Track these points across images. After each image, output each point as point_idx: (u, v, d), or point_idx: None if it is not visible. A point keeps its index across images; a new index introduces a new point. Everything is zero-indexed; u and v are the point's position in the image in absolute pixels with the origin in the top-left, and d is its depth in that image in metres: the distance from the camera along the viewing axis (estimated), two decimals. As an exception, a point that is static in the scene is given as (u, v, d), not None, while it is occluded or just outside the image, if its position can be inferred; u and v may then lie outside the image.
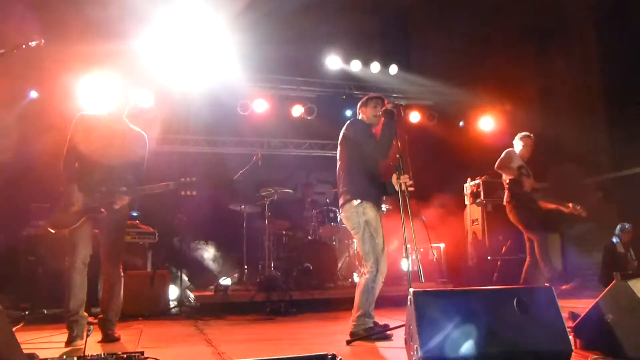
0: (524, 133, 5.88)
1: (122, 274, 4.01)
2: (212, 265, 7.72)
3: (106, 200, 3.85)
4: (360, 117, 4.21)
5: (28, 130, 6.34)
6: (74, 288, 3.77)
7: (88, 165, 3.91)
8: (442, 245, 7.70)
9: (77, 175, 3.88)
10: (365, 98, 4.24)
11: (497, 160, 5.75)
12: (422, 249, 7.35)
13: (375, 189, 3.93)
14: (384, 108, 3.99)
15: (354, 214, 3.84)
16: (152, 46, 6.83)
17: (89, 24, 5.95)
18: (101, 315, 3.96)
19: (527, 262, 5.66)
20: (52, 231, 3.83)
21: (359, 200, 3.82)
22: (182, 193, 3.85)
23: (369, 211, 3.81)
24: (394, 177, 3.76)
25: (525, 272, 5.62)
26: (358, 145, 3.98)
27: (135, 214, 7.03)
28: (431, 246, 7.10)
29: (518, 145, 5.86)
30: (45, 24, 5.63)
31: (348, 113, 8.37)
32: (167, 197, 7.39)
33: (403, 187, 3.67)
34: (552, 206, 5.71)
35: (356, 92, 8.61)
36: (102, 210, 3.83)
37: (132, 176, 4.05)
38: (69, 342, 3.66)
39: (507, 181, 5.76)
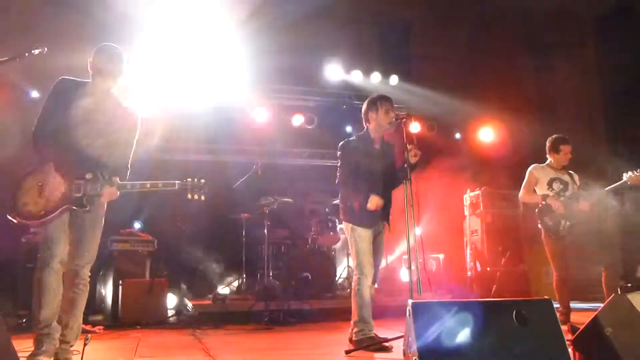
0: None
1: (88, 283, 3.20)
2: (210, 274, 7.70)
3: (92, 192, 3.11)
4: (370, 124, 3.99)
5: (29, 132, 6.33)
6: (48, 293, 2.99)
7: (67, 143, 3.12)
8: (441, 256, 7.69)
9: (55, 152, 3.11)
10: (372, 100, 3.97)
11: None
12: (421, 260, 7.33)
13: (365, 210, 3.81)
14: (393, 117, 3.88)
15: (345, 228, 4.08)
16: (154, 54, 6.87)
17: (91, 30, 5.98)
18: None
19: None
20: (15, 221, 3.04)
21: (347, 223, 4.00)
22: (189, 196, 3.20)
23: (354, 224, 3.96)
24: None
25: None
26: (344, 166, 4.01)
27: (138, 226, 7.02)
28: (420, 260, 7.05)
29: None
30: (47, 31, 5.67)
31: (348, 128, 8.39)
32: (168, 204, 7.47)
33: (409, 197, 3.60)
34: None
35: (356, 102, 8.63)
36: (86, 205, 3.10)
37: (120, 164, 3.30)
38: (32, 357, 2.93)
39: None
